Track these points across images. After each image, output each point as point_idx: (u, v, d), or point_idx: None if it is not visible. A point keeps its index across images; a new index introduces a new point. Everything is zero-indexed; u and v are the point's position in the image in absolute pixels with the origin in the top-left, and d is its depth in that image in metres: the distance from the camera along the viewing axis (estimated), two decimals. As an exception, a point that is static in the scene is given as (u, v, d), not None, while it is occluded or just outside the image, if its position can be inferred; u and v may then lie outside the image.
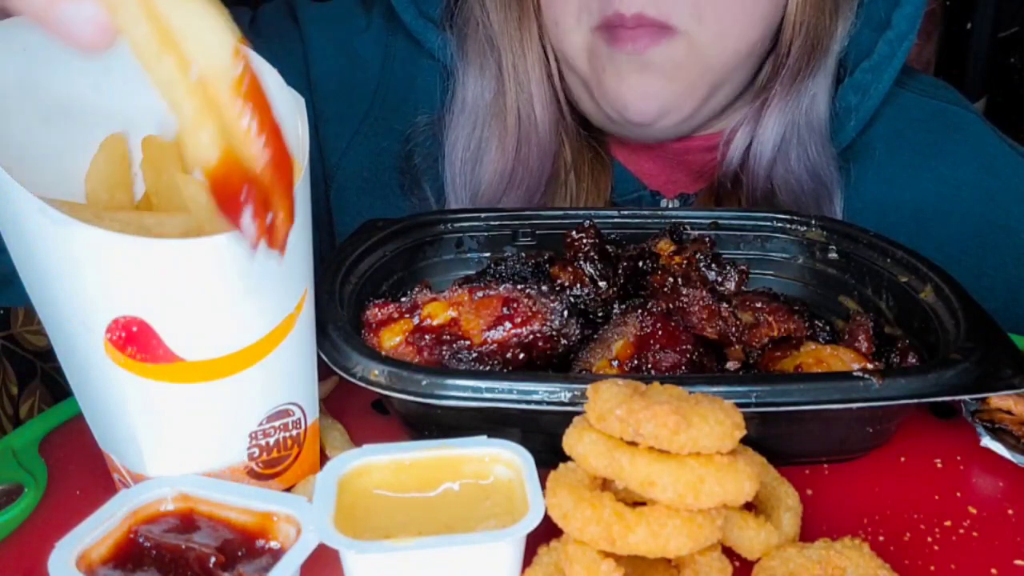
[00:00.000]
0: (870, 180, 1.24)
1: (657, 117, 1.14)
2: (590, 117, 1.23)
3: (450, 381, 0.74)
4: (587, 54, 1.13)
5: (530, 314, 0.83)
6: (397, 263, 0.98)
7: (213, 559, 0.63)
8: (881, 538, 0.73)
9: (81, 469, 0.80)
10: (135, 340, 0.65)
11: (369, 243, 0.95)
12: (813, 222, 1.04)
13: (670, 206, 1.27)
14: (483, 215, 1.05)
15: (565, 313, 0.85)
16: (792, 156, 1.19)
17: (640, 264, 0.94)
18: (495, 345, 0.82)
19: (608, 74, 1.12)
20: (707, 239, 1.00)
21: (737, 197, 1.23)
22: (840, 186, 1.21)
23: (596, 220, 0.97)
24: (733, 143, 1.21)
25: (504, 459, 0.69)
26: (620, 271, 0.92)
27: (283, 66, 0.74)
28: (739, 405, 0.64)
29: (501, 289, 0.85)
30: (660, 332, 0.82)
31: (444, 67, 1.23)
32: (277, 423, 0.73)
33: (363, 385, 0.75)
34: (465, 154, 1.21)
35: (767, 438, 0.73)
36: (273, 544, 0.66)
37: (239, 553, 0.65)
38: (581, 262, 0.92)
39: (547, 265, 0.94)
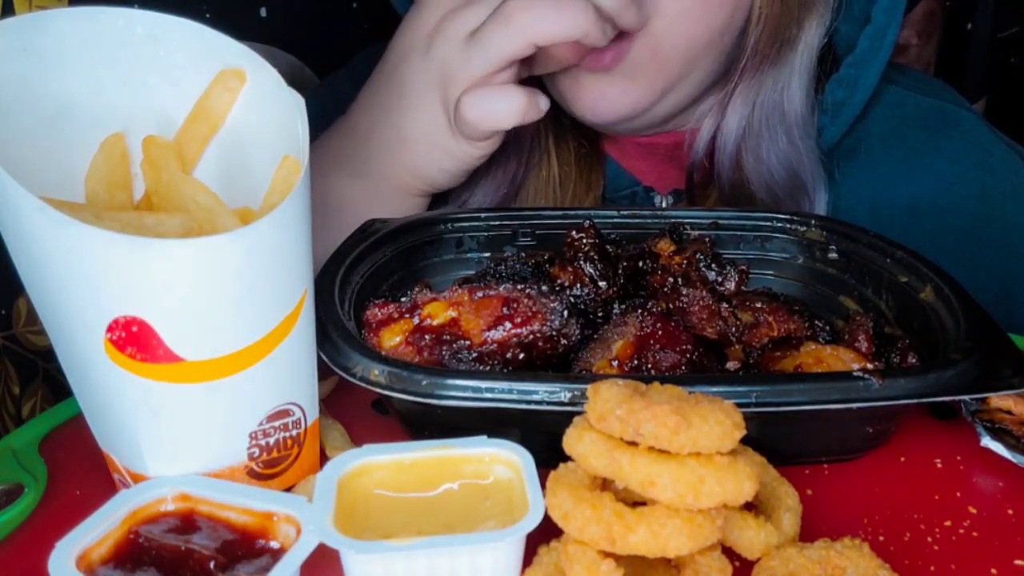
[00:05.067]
0: (866, 177, 1.24)
1: (616, 119, 1.15)
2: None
3: (450, 381, 0.74)
4: None
5: (530, 314, 0.83)
6: (397, 263, 0.98)
7: (213, 562, 0.63)
8: (881, 538, 0.73)
9: (81, 469, 0.80)
10: (135, 340, 0.65)
11: (369, 243, 0.95)
12: (813, 222, 1.04)
13: (664, 203, 1.28)
14: (483, 215, 1.05)
15: (565, 313, 0.84)
16: (763, 148, 1.19)
17: (640, 264, 0.94)
18: (495, 345, 0.82)
19: (565, 81, 1.13)
20: (707, 239, 0.99)
21: (713, 190, 1.23)
22: (823, 184, 1.21)
23: (596, 220, 0.97)
24: (700, 132, 1.22)
25: (504, 459, 0.69)
26: (620, 271, 0.92)
27: None
28: (739, 405, 0.64)
29: (501, 289, 0.85)
30: (660, 332, 0.82)
31: None
32: (277, 423, 0.73)
33: (363, 385, 0.75)
34: None
35: (767, 438, 0.73)
36: (273, 544, 0.66)
37: (239, 553, 0.65)
38: (581, 262, 0.92)
39: (547, 265, 0.94)
